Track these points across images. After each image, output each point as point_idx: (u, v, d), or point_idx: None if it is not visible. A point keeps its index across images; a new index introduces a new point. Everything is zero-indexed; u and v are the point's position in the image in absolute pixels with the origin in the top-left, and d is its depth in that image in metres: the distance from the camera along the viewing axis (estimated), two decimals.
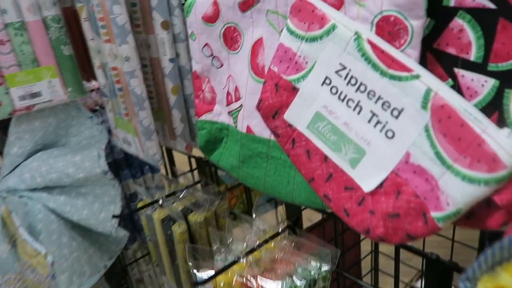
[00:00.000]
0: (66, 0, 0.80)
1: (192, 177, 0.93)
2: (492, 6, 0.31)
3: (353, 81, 0.37)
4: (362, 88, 0.36)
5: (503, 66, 0.31)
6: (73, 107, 0.80)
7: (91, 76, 0.83)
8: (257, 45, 0.48)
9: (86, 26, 0.66)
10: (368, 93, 0.36)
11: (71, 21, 0.78)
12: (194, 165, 0.91)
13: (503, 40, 0.31)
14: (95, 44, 0.66)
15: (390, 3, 0.34)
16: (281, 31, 0.44)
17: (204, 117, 0.57)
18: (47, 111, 0.77)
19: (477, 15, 0.32)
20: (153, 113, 0.64)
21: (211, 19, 0.52)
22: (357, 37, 0.36)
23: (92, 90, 0.88)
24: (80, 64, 0.77)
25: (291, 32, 0.41)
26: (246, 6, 0.48)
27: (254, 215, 0.65)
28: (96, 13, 0.60)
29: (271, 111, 0.43)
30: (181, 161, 1.00)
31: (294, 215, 0.69)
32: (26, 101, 0.71)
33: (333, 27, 0.37)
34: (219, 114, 0.56)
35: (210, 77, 0.56)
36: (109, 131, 0.80)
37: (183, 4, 0.63)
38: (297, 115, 0.41)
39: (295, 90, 0.41)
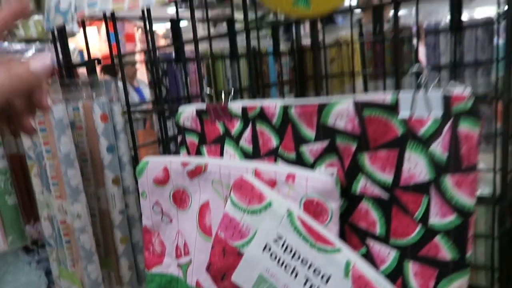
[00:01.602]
0: (11, 146, 0.83)
1: None
2: (386, 197, 0.41)
3: (289, 250, 0.44)
4: (296, 256, 0.43)
5: (401, 241, 0.41)
6: (10, 253, 0.78)
7: (33, 219, 0.83)
8: (204, 207, 0.55)
9: (35, 182, 0.69)
10: (302, 260, 0.43)
11: (16, 168, 0.80)
12: None
13: (397, 222, 0.41)
14: (43, 198, 0.69)
15: (312, 189, 0.43)
16: (225, 197, 0.52)
17: (154, 270, 0.60)
18: None
19: (377, 201, 0.42)
20: (100, 261, 0.66)
21: (161, 182, 0.58)
22: (289, 213, 0.44)
23: (35, 240, 0.87)
24: (23, 209, 0.78)
25: (235, 205, 0.48)
26: (193, 175, 0.55)
27: None
28: (49, 172, 0.64)
29: (220, 274, 0.48)
30: None
31: None
32: None
33: (270, 203, 0.46)
34: (169, 266, 0.59)
35: (159, 231, 0.60)
36: (48, 273, 0.78)
37: (134, 159, 0.70)
38: (243, 277, 0.47)
39: (240, 255, 0.47)
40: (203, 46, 1.11)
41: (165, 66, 0.94)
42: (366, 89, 1.23)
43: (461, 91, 0.35)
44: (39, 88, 0.32)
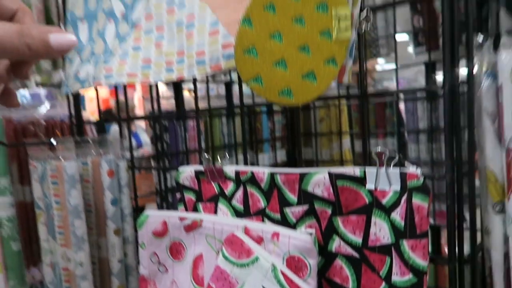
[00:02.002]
0: (19, 194, 0.89)
1: None
2: (357, 255, 0.48)
3: None
4: None
5: None
6: None
7: (32, 264, 0.87)
8: (198, 259, 0.61)
9: (42, 229, 0.74)
10: None
11: (22, 215, 0.86)
12: None
13: (366, 278, 0.47)
14: (48, 245, 0.74)
15: (294, 247, 0.50)
16: (218, 250, 0.58)
17: None
18: None
19: (349, 259, 0.48)
20: None
21: (160, 234, 0.64)
22: (274, 268, 0.50)
23: (33, 286, 0.91)
24: (25, 254, 0.83)
25: (226, 258, 0.54)
26: (190, 229, 0.61)
27: None
28: (56, 221, 0.70)
29: None
30: None
31: None
32: None
33: (257, 258, 0.52)
34: None
35: (155, 280, 0.65)
36: None
37: (134, 211, 0.76)
38: None
39: None
40: (202, 105, 1.21)
41: (167, 122, 1.02)
42: (353, 147, 1.32)
43: (415, 170, 0.43)
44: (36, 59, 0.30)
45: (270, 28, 0.43)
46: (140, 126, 3.18)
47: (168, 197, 1.03)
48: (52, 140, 0.71)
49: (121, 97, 1.00)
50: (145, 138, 2.86)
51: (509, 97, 0.37)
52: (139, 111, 3.13)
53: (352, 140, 1.35)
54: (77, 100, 0.82)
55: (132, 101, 3.28)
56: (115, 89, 0.82)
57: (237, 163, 1.13)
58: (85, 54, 0.70)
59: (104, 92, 3.15)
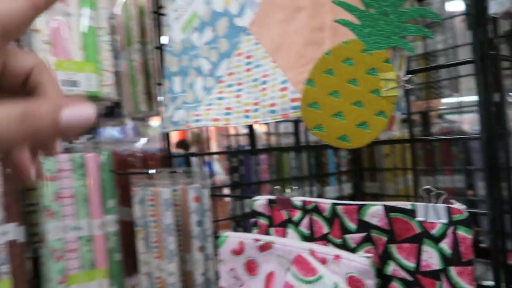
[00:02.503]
0: (124, 213, 1.06)
1: None
2: (411, 279, 0.54)
3: None
4: None
5: None
6: None
7: (128, 273, 1.02)
8: (270, 276, 0.71)
9: (140, 244, 0.89)
10: None
11: (123, 231, 1.02)
12: None
13: None
14: (144, 257, 0.88)
15: (354, 268, 0.57)
16: (287, 269, 0.67)
17: None
18: None
19: (404, 282, 0.55)
20: None
21: (237, 252, 0.75)
22: (336, 286, 0.58)
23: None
24: (126, 265, 0.98)
25: (294, 276, 0.63)
26: (263, 249, 0.72)
27: None
28: (152, 237, 0.84)
29: None
30: None
31: None
32: None
33: (321, 276, 0.60)
34: None
35: None
36: None
37: (215, 235, 0.89)
38: None
39: None
40: (273, 140, 1.34)
41: (242, 156, 1.16)
42: (416, 183, 1.35)
43: (459, 206, 0.49)
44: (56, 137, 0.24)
45: (329, 88, 0.54)
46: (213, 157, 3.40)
47: (242, 222, 1.14)
48: (151, 171, 0.87)
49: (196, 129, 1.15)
50: (217, 168, 3.05)
51: None
52: (213, 143, 3.36)
53: (416, 176, 1.38)
54: (167, 138, 0.98)
55: (207, 133, 3.52)
56: None
57: (304, 195, 1.23)
58: (178, 102, 0.86)
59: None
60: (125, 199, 1.06)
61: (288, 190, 0.66)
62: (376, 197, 1.44)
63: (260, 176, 1.22)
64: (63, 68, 0.79)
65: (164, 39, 0.92)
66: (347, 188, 1.48)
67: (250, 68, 0.70)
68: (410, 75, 0.50)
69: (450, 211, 0.50)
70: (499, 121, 0.65)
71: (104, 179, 0.94)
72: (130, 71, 1.11)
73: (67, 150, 0.92)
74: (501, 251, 0.52)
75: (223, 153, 1.16)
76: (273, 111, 0.65)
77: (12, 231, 0.88)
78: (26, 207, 0.94)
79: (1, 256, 0.85)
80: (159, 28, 0.97)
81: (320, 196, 1.36)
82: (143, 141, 1.13)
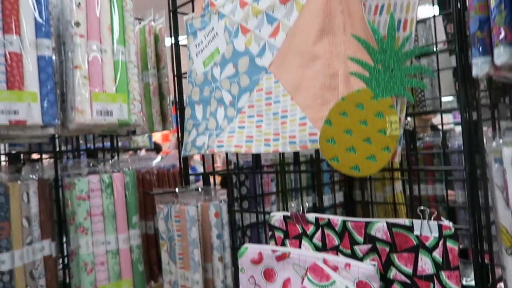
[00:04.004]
0: (147, 228, 1.16)
1: None
2: (409, 282, 0.67)
3: None
4: None
5: None
6: None
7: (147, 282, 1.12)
8: (287, 282, 0.82)
9: (164, 255, 0.99)
10: None
11: (145, 243, 1.12)
12: None
13: None
14: (168, 267, 0.98)
15: (362, 274, 0.70)
16: (302, 276, 0.78)
17: None
18: None
19: (403, 284, 0.68)
20: None
21: (256, 262, 0.86)
22: None
23: None
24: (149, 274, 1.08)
25: (310, 281, 0.75)
26: (280, 259, 0.83)
27: None
28: (177, 249, 0.94)
29: None
30: None
31: None
32: None
33: (334, 281, 0.72)
34: None
35: None
36: None
37: (233, 243, 1.00)
38: None
39: None
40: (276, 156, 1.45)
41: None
42: (404, 190, 1.49)
43: (448, 223, 0.62)
44: None
45: (344, 127, 0.66)
46: (198, 160, 3.49)
47: (247, 233, 1.25)
48: (176, 189, 0.98)
49: None
50: (200, 169, 3.12)
51: (510, 176, 0.56)
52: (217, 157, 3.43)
53: (404, 184, 1.52)
54: (185, 160, 1.09)
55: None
56: None
57: (303, 202, 1.35)
58: (200, 128, 0.97)
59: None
60: (146, 214, 1.15)
61: (292, 204, 0.77)
62: (366, 204, 1.57)
63: (264, 189, 1.33)
64: (99, 100, 0.88)
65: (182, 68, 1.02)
66: (340, 197, 1.61)
67: (270, 102, 0.82)
68: (409, 119, 0.62)
69: (440, 227, 0.63)
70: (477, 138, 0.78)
71: (129, 197, 1.03)
72: (146, 93, 1.21)
73: (96, 172, 1.01)
74: (480, 253, 0.65)
75: (233, 172, 1.26)
76: (293, 142, 0.77)
77: (47, 247, 0.97)
78: (58, 224, 1.02)
79: (39, 270, 0.93)
80: (178, 58, 1.08)
81: (315, 204, 1.49)
82: (158, 159, 1.23)
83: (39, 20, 0.86)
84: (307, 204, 1.37)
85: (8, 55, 0.82)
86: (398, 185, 1.55)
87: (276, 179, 1.39)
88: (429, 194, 1.51)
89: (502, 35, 0.49)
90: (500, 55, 0.50)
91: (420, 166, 1.44)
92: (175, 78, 1.10)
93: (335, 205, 1.60)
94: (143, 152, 1.52)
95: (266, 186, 1.37)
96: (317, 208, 1.53)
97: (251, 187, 1.31)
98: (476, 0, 0.52)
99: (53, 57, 0.89)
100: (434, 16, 1.32)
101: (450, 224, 0.62)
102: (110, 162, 1.04)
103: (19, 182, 0.93)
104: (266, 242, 1.11)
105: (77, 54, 0.88)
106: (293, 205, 0.79)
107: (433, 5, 1.07)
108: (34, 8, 0.85)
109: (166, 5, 1.11)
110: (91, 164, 1.05)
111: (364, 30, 0.65)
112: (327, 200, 1.56)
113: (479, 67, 0.54)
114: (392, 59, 0.62)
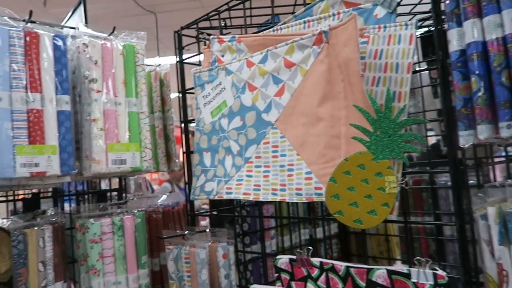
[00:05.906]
0: (153, 264, 1.20)
1: None
2: None
3: None
4: None
5: None
6: None
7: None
8: None
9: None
10: None
11: (151, 279, 1.16)
12: None
13: None
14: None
15: None
16: None
17: None
18: None
19: None
20: None
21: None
22: None
23: None
24: None
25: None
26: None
27: None
28: (186, 277, 0.99)
29: None
30: None
31: None
32: None
33: None
34: None
35: None
36: None
37: (240, 283, 1.05)
38: None
39: None
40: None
41: (248, 208, 1.33)
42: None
43: (442, 272, 0.69)
44: None
45: (347, 184, 0.73)
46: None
47: (248, 267, 1.31)
48: (186, 232, 1.03)
49: None
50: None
51: (495, 232, 0.64)
52: None
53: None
54: (192, 203, 1.15)
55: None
56: None
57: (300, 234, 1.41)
58: (209, 174, 1.03)
59: None
60: (151, 251, 1.20)
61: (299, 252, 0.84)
62: (359, 234, 1.64)
63: (264, 222, 1.39)
64: (114, 150, 0.94)
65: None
66: (334, 228, 1.68)
67: (276, 155, 0.89)
68: (405, 179, 0.70)
69: (435, 276, 0.70)
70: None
71: (138, 237, 1.08)
72: (152, 135, 1.27)
73: (108, 215, 1.06)
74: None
75: (232, 208, 1.32)
76: (299, 194, 0.84)
77: None
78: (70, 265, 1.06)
79: None
80: (184, 105, 1.15)
81: (311, 236, 1.56)
82: (163, 197, 1.29)
83: (60, 78, 0.92)
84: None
85: (30, 112, 0.88)
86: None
87: (275, 213, 1.46)
88: (419, 226, 1.59)
89: (483, 115, 0.57)
90: (483, 131, 0.58)
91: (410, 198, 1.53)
92: (182, 124, 1.17)
93: (330, 236, 1.67)
94: None
95: (266, 221, 1.43)
96: (313, 239, 1.60)
97: (252, 223, 1.37)
98: (461, 82, 0.61)
99: (71, 111, 0.95)
100: (419, 62, 1.43)
101: (444, 274, 0.69)
102: (120, 205, 1.09)
103: (35, 228, 0.97)
104: (266, 275, 1.17)
105: (94, 108, 0.95)
106: (298, 250, 0.85)
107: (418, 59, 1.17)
108: (55, 68, 0.91)
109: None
110: (101, 206, 1.10)
111: (363, 99, 0.73)
112: (320, 233, 1.63)
113: (465, 138, 0.63)
114: (389, 127, 0.70)
